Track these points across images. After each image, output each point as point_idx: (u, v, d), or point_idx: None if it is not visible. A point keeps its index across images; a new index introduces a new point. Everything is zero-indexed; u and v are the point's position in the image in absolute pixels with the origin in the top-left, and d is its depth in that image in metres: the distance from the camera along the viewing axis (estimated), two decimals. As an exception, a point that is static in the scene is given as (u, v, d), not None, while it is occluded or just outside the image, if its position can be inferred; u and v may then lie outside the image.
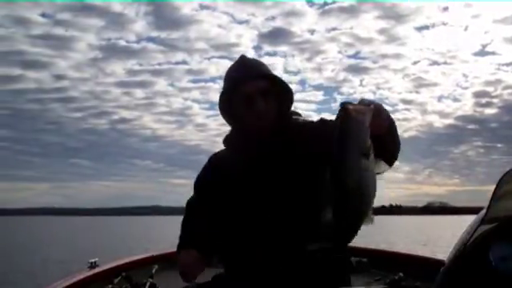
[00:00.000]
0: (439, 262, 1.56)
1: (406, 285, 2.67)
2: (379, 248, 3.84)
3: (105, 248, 16.68)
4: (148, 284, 2.65)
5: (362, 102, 1.24)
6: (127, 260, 3.14)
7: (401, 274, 2.71)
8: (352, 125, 1.16)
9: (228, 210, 1.65)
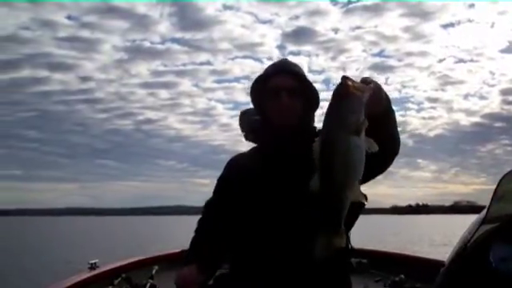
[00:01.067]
0: (440, 263, 1.56)
1: (407, 286, 2.67)
2: (380, 249, 3.84)
3: (123, 248, 16.50)
4: (148, 285, 2.65)
5: (364, 80, 1.24)
6: (127, 261, 3.14)
7: (402, 276, 2.71)
8: (349, 99, 1.16)
9: (242, 210, 1.66)
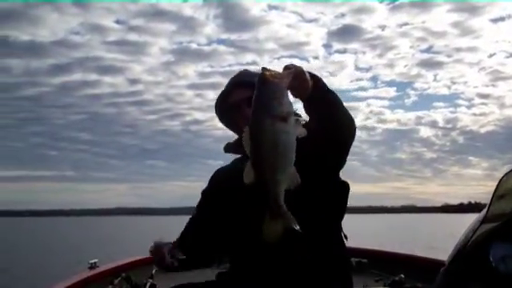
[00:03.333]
0: (440, 263, 1.56)
1: (407, 286, 2.67)
2: (379, 249, 3.84)
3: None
4: (148, 284, 2.65)
5: (286, 67, 1.29)
6: (127, 260, 3.14)
7: (402, 275, 2.71)
8: (267, 88, 1.21)
9: (228, 220, 1.70)
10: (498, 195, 1.45)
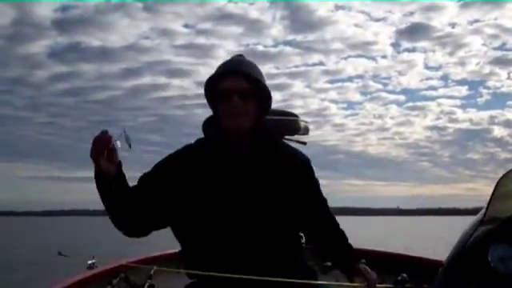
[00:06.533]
0: (440, 263, 1.56)
1: (407, 286, 2.67)
2: (380, 249, 3.84)
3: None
4: (146, 285, 2.65)
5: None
6: (126, 261, 3.13)
7: (402, 275, 2.70)
8: None
9: (191, 203, 1.58)
10: (497, 196, 1.45)
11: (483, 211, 1.44)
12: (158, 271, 2.87)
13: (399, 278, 2.69)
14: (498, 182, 1.48)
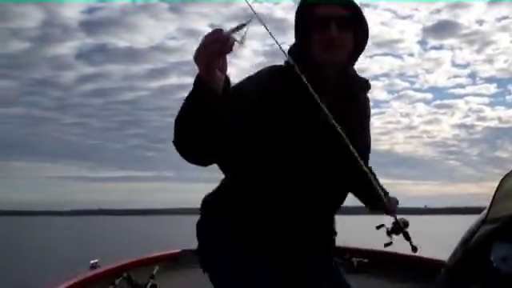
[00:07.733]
0: (441, 263, 1.56)
1: (407, 286, 2.67)
2: (380, 249, 3.83)
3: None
4: (149, 285, 2.66)
5: None
6: (128, 260, 3.14)
7: (403, 275, 2.70)
8: None
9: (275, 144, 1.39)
10: (500, 196, 1.45)
11: (486, 211, 1.44)
12: (160, 271, 2.88)
13: (398, 278, 2.68)
14: (500, 182, 1.48)
